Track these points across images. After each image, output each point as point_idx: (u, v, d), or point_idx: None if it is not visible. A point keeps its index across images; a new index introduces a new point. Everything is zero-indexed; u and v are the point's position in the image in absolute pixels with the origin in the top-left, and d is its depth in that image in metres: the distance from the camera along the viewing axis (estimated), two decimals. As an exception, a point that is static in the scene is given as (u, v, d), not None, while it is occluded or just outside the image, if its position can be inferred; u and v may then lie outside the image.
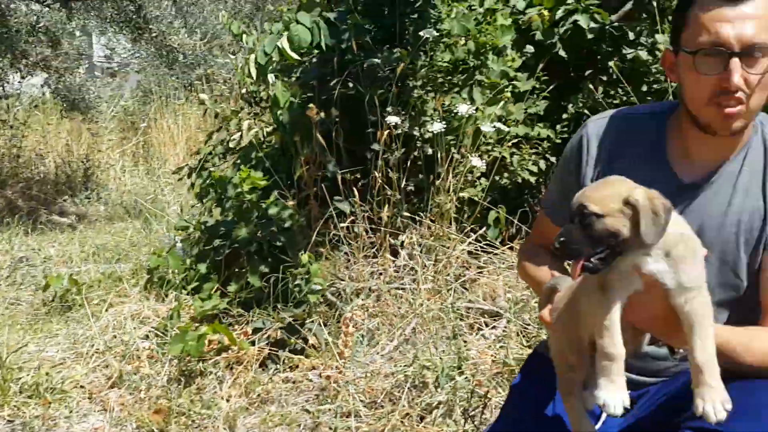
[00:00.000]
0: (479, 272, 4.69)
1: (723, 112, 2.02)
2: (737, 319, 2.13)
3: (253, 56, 4.75)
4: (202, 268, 4.57)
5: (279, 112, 4.63)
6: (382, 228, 4.57)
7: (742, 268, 2.13)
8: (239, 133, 5.28)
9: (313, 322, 4.03)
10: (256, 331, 4.09)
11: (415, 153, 4.95)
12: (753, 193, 2.11)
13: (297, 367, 3.90)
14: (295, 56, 4.66)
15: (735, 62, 1.96)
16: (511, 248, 4.78)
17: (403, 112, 4.80)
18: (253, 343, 4.03)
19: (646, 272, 1.82)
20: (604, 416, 2.21)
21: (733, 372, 1.90)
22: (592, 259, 1.80)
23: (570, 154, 2.37)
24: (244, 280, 4.34)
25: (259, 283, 4.29)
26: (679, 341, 1.91)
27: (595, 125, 2.32)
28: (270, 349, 3.96)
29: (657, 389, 2.26)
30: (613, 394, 1.81)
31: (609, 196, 1.81)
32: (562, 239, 1.81)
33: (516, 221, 4.82)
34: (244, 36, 5.52)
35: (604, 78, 5.39)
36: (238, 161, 5.03)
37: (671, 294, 1.83)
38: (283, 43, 4.63)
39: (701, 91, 2.03)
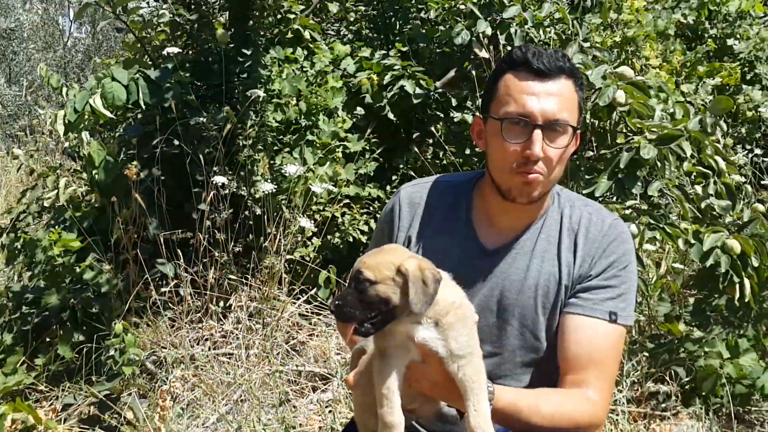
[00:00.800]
0: (310, 334, 4.61)
1: (523, 179, 2.10)
2: (540, 380, 2.19)
3: (61, 112, 4.50)
4: (8, 339, 4.18)
5: (94, 171, 4.39)
6: (208, 291, 4.40)
7: (541, 330, 2.19)
8: (55, 191, 4.94)
9: (129, 395, 3.76)
10: (66, 407, 3.77)
11: (246, 213, 4.85)
12: (549, 259, 2.19)
13: (110, 445, 3.63)
14: (108, 114, 4.46)
15: (537, 134, 2.06)
16: (342, 309, 4.73)
17: (230, 172, 4.70)
18: (62, 421, 3.71)
19: (418, 341, 1.86)
20: None
21: None
22: (364, 324, 1.83)
23: (384, 218, 2.39)
24: (54, 352, 4.01)
25: (70, 354, 3.98)
26: (462, 405, 1.91)
27: (408, 192, 2.36)
28: (81, 427, 3.66)
29: None
30: None
31: (383, 264, 1.85)
32: (337, 302, 1.83)
33: (346, 282, 4.79)
34: (64, 89, 5.23)
35: (431, 141, 5.57)
36: (52, 222, 4.70)
37: (444, 361, 1.86)
38: (96, 100, 4.42)
39: (505, 158, 2.11)
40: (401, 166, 5.45)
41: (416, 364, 1.88)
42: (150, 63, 5.09)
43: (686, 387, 4.14)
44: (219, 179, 4.48)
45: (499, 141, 2.11)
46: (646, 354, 4.23)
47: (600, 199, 4.08)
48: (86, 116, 4.32)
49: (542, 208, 2.23)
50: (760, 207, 4.29)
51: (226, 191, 4.55)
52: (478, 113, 2.29)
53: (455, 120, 5.57)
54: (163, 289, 4.30)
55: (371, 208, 5.21)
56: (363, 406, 2.06)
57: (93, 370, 3.94)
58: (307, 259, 4.80)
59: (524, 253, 2.20)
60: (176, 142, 4.66)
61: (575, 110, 2.14)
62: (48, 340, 4.20)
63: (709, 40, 7.18)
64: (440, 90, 5.52)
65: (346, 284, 1.88)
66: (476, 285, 2.19)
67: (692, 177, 4.30)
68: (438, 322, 1.86)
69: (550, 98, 2.08)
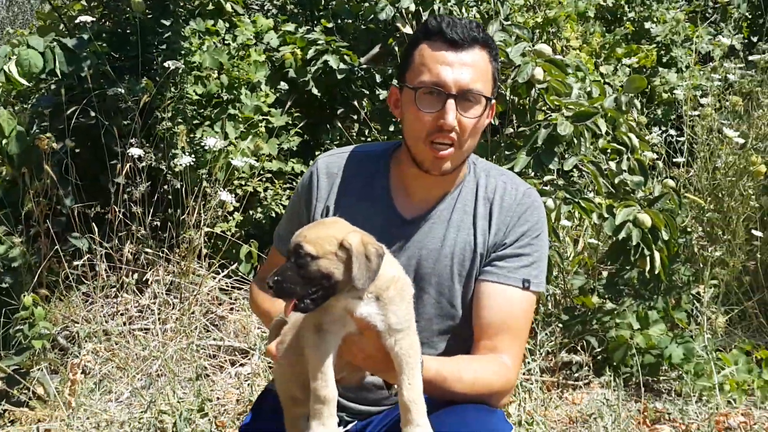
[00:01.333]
0: (230, 309, 4.56)
1: (435, 153, 2.11)
2: (455, 347, 2.22)
3: None
4: None
5: (5, 142, 4.22)
6: (124, 266, 4.30)
7: (457, 298, 2.22)
8: (-38, 164, 4.75)
9: (40, 370, 3.66)
10: (-28, 383, 3.64)
11: (164, 187, 4.76)
12: (465, 228, 2.22)
13: (18, 420, 3.51)
14: (24, 82, 4.29)
15: (451, 103, 2.07)
16: (264, 284, 4.70)
17: (148, 145, 4.59)
18: (-32, 398, 3.58)
19: (357, 315, 1.83)
20: None
21: (446, 401, 1.97)
22: (305, 299, 1.78)
23: (301, 189, 2.37)
24: (-40, 327, 3.86)
25: (-23, 329, 3.84)
26: (393, 378, 1.92)
27: (325, 162, 2.34)
28: (-13, 403, 3.54)
29: (380, 418, 2.28)
30: None
31: (325, 238, 1.80)
32: (276, 278, 1.77)
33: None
34: (-28, 58, 5.02)
35: (355, 117, 5.56)
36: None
37: (382, 335, 1.84)
38: (11, 67, 4.25)
39: (419, 127, 2.12)
40: (326, 141, 5.42)
41: (352, 336, 1.86)
42: (66, 33, 4.92)
43: (598, 357, 4.28)
44: (135, 151, 4.37)
45: (413, 110, 2.12)
46: (560, 325, 4.34)
47: (518, 174, 4.15)
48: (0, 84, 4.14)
49: (458, 178, 2.25)
50: (671, 182, 4.45)
51: (143, 164, 4.44)
52: (394, 82, 2.30)
53: (380, 97, 5.58)
54: (75, 263, 4.18)
55: (294, 183, 5.17)
56: (285, 375, 2.04)
57: (1, 345, 3.81)
58: (228, 233, 4.74)
59: (441, 222, 2.22)
60: (92, 114, 4.52)
61: (489, 81, 2.15)
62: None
63: (628, 22, 7.37)
64: (365, 66, 5.50)
65: (286, 259, 1.82)
66: (394, 254, 2.19)
67: (607, 153, 4.41)
68: (378, 297, 1.83)
69: (464, 68, 2.09)
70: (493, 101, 2.20)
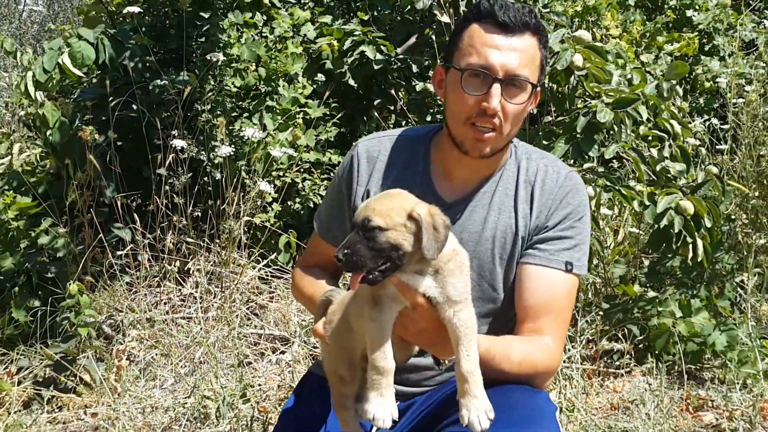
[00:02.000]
0: (270, 298, 4.61)
1: (477, 135, 2.11)
2: (496, 330, 2.21)
3: (30, 74, 4.39)
4: (-39, 302, 4.12)
5: (49, 133, 4.30)
6: (166, 255, 4.36)
7: (498, 281, 2.23)
8: (9, 157, 4.86)
9: (86, 357, 3.73)
10: (20, 369, 3.73)
11: (205, 178, 4.81)
12: (506, 211, 2.22)
13: (66, 407, 3.59)
14: (78, 73, 4.38)
15: (496, 87, 2.07)
16: (302, 274, 4.74)
17: (189, 136, 4.65)
18: (17, 384, 3.67)
19: (419, 288, 1.83)
20: (374, 430, 2.20)
21: (493, 379, 1.96)
22: (373, 272, 1.78)
23: (341, 173, 2.38)
24: (8, 316, 3.96)
25: (24, 317, 3.94)
26: (445, 353, 1.93)
27: (366, 146, 2.35)
28: (36, 389, 3.62)
29: (423, 399, 2.29)
30: (383, 407, 1.80)
31: (393, 210, 1.81)
32: (346, 251, 1.77)
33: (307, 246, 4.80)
34: (18, 54, 5.13)
35: (392, 108, 5.57)
36: (6, 187, 4.61)
37: (440, 307, 1.84)
38: (65, 59, 4.33)
39: (463, 108, 2.12)
40: (363, 132, 5.43)
41: (405, 311, 1.87)
42: (110, 25, 5.00)
43: (640, 345, 4.22)
44: (178, 143, 4.43)
45: (458, 91, 2.12)
46: (601, 313, 4.30)
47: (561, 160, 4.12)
48: (55, 77, 4.22)
49: (499, 162, 2.26)
50: (714, 169, 4.38)
51: (185, 155, 4.50)
52: (440, 62, 2.29)
53: (417, 88, 5.57)
54: (119, 253, 4.25)
55: (331, 174, 5.19)
56: (333, 355, 2.06)
57: (48, 334, 3.90)
58: (268, 224, 4.78)
59: (482, 205, 2.23)
60: (134, 106, 4.59)
61: (536, 68, 2.14)
62: (2, 304, 4.14)
63: (669, 10, 7.25)
64: (401, 56, 5.51)
65: (343, 235, 1.85)
66: None
67: (648, 141, 4.36)
68: (438, 270, 1.84)
69: (512, 53, 2.08)
70: (539, 89, 2.19)
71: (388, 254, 1.78)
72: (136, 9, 4.66)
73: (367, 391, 1.84)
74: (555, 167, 2.27)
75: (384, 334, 1.84)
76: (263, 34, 5.47)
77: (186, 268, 4.45)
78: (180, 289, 4.39)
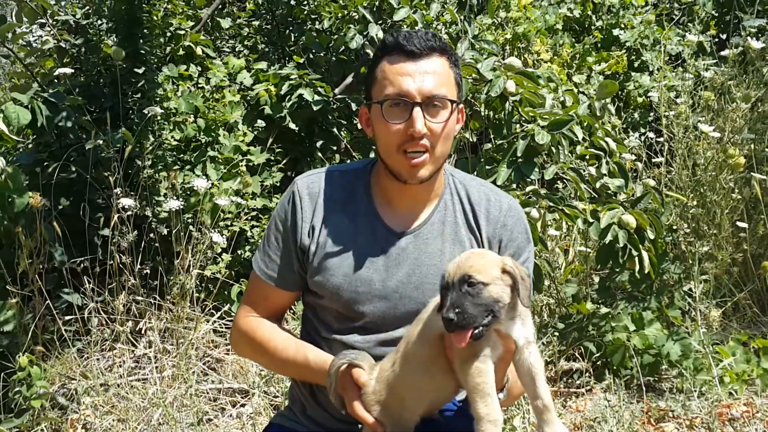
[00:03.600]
0: (227, 351, 4.54)
1: (410, 161, 2.15)
2: None
3: None
4: None
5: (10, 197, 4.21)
6: (118, 317, 4.29)
7: None
8: (-53, 230, 4.73)
9: (41, 430, 3.62)
10: (-28, 449, 3.60)
11: (151, 235, 4.76)
12: (458, 241, 2.25)
13: (22, 483, 3.48)
14: (15, 138, 4.31)
15: (417, 111, 2.12)
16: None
17: (132, 193, 4.60)
18: (-31, 465, 3.54)
19: (515, 336, 1.93)
20: None
21: None
22: (479, 327, 1.85)
23: (282, 212, 2.33)
24: (-44, 395, 3.83)
25: (-26, 394, 3.81)
26: (498, 387, 1.99)
27: (305, 182, 2.33)
28: (-11, 469, 3.50)
29: None
30: None
31: (488, 265, 1.89)
32: (457, 310, 1.83)
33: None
34: (-50, 124, 5.04)
35: (335, 147, 5.60)
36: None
37: (519, 351, 1.95)
38: (0, 125, 4.27)
39: (391, 139, 2.16)
40: (307, 174, 5.45)
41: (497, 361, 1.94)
42: (41, 89, 4.95)
43: (597, 363, 4.27)
44: (126, 201, 4.36)
45: (383, 123, 2.16)
46: (557, 334, 4.35)
47: (501, 187, 4.18)
48: None
49: (439, 188, 2.29)
50: (651, 182, 4.49)
51: (129, 213, 4.45)
52: (363, 102, 2.34)
53: (358, 126, 5.62)
54: (67, 317, 4.16)
55: (280, 219, 5.18)
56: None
57: (1, 409, 3.78)
58: (219, 275, 4.74)
59: (434, 236, 2.25)
60: (72, 168, 4.54)
61: (452, 85, 2.20)
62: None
63: (596, 31, 7.47)
64: (339, 96, 5.56)
65: (448, 291, 1.89)
66: (390, 269, 2.21)
67: (586, 159, 4.46)
68: (520, 314, 1.94)
69: (425, 76, 2.14)
70: (461, 105, 2.26)
71: (491, 308, 1.86)
72: (68, 70, 4.63)
73: None
74: (497, 196, 2.32)
75: (494, 387, 1.90)
76: (199, 85, 5.48)
77: (138, 328, 4.37)
78: (133, 351, 4.30)
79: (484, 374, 1.89)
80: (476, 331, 1.84)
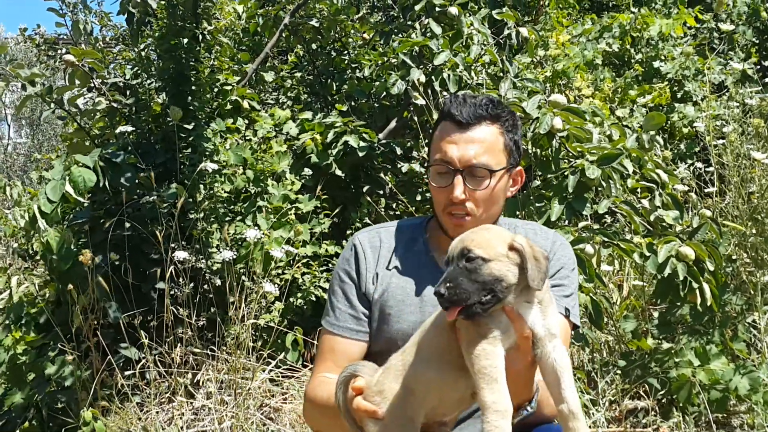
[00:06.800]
0: (284, 399, 4.53)
1: (455, 221, 2.28)
2: None
3: (35, 206, 4.43)
4: (-28, 445, 4.04)
5: (53, 258, 4.31)
6: (175, 369, 4.31)
7: None
8: (8, 291, 4.85)
9: (104, 486, 3.64)
10: (39, 508, 3.63)
11: (205, 286, 4.81)
12: None
13: None
14: (80, 199, 4.45)
15: (458, 178, 2.24)
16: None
17: (187, 246, 4.67)
18: None
19: (529, 322, 1.78)
20: None
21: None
22: (474, 306, 1.73)
23: (345, 264, 2.43)
24: (21, 452, 3.88)
25: (38, 452, 3.85)
26: (522, 396, 1.92)
27: (365, 236, 2.46)
28: None
29: None
30: None
31: (492, 241, 1.78)
32: (448, 284, 1.73)
33: (314, 341, 4.76)
34: (8, 188, 5.20)
35: (381, 192, 5.63)
36: (7, 321, 4.59)
37: (539, 342, 1.79)
38: (67, 187, 4.39)
39: (438, 200, 2.31)
40: (356, 219, 5.47)
41: (508, 351, 1.80)
42: (101, 149, 5.08)
43: (663, 400, 4.16)
44: (180, 254, 4.42)
45: (432, 185, 2.32)
46: (619, 372, 4.25)
47: (552, 225, 4.14)
48: (59, 206, 4.28)
49: None
50: (707, 212, 4.41)
51: (185, 266, 4.50)
52: (423, 144, 2.49)
53: (402, 169, 5.66)
54: (127, 372, 4.20)
55: (330, 265, 5.20)
56: (394, 426, 1.89)
57: (64, 466, 3.81)
58: (272, 323, 4.75)
59: None
60: (127, 224, 4.62)
61: (499, 152, 2.28)
62: (15, 441, 4.06)
63: (636, 65, 7.44)
64: (384, 141, 5.60)
65: (449, 265, 1.79)
66: None
67: (638, 192, 4.40)
68: (541, 301, 1.80)
69: (469, 145, 2.24)
70: (519, 168, 2.36)
71: (491, 287, 1.73)
72: (128, 128, 4.75)
73: None
74: (542, 230, 2.44)
75: (503, 373, 1.72)
76: (246, 137, 5.57)
77: (196, 381, 4.39)
78: (191, 402, 4.31)
79: (491, 357, 1.72)
80: (471, 309, 1.72)
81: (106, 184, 4.41)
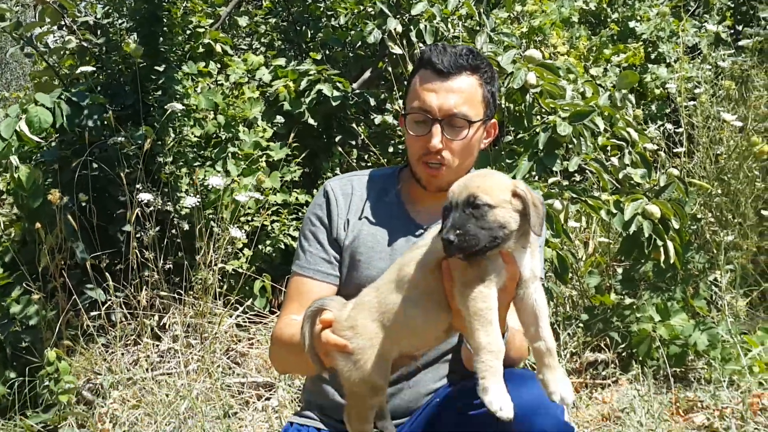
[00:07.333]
0: (250, 345, 4.55)
1: (429, 171, 2.28)
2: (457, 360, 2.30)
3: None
4: (-67, 383, 4.00)
5: (23, 195, 4.24)
6: (141, 312, 4.30)
7: None
8: (-30, 229, 4.78)
9: (68, 425, 3.64)
10: (1, 444, 3.63)
11: (173, 230, 4.78)
12: None
13: (51, 478, 3.50)
14: (36, 139, 4.35)
15: (436, 128, 2.24)
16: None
17: (154, 189, 4.62)
18: (-2, 460, 3.57)
19: (521, 264, 1.83)
20: None
21: None
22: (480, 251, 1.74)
23: (316, 210, 2.44)
24: (-16, 390, 3.86)
25: (2, 390, 3.83)
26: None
27: (337, 183, 2.47)
28: (18, 463, 3.52)
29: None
30: (505, 396, 1.70)
31: (497, 187, 1.78)
32: (459, 231, 1.73)
33: (283, 288, 4.76)
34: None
35: (353, 142, 5.60)
36: (-30, 259, 4.52)
37: (524, 284, 1.83)
38: (22, 125, 4.30)
39: (413, 149, 2.31)
40: (327, 169, 5.45)
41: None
42: (63, 88, 4.97)
43: (623, 354, 4.25)
44: (144, 196, 4.38)
45: (408, 134, 2.31)
46: (581, 326, 4.33)
47: (523, 180, 4.16)
48: (12, 145, 4.18)
49: None
50: (675, 172, 4.46)
51: (151, 209, 4.46)
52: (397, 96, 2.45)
53: (375, 121, 5.63)
54: (93, 314, 4.18)
55: (300, 214, 5.19)
56: (364, 363, 1.91)
57: (28, 404, 3.80)
58: (240, 270, 4.75)
59: None
60: (95, 165, 4.56)
61: (478, 104, 2.28)
62: (-24, 379, 4.03)
63: (612, 23, 7.43)
64: (358, 91, 5.55)
65: (450, 212, 1.79)
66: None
67: (608, 150, 4.43)
68: (531, 246, 1.83)
69: (449, 95, 2.24)
70: (493, 120, 2.35)
71: (495, 234, 1.75)
72: (89, 68, 4.65)
73: (480, 377, 1.72)
74: None
75: (496, 315, 1.76)
76: (219, 82, 5.49)
77: (162, 323, 4.39)
78: (158, 345, 4.32)
79: (487, 299, 1.75)
80: (476, 253, 1.74)
81: (65, 125, 4.31)
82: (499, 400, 1.68)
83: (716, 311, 4.47)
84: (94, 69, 4.75)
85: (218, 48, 5.55)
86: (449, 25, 5.20)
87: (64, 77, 5.12)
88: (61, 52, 5.19)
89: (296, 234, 5.04)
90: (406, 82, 2.39)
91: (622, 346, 4.22)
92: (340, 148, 5.44)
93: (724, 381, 3.84)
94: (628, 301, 4.39)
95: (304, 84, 5.38)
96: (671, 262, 4.04)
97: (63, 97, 4.47)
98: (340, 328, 1.95)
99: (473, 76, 2.26)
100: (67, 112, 4.45)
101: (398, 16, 5.17)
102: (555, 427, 1.99)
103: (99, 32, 5.16)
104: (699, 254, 4.56)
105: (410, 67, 4.71)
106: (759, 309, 4.69)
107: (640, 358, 4.13)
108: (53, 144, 4.91)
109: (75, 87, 4.78)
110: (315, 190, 5.36)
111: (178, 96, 4.95)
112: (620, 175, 4.34)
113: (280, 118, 5.47)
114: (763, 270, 4.79)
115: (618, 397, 3.89)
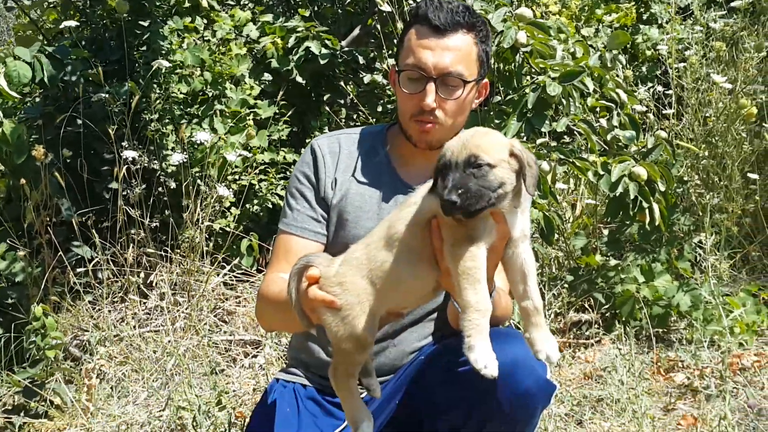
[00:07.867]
0: (237, 303, 4.57)
1: (420, 128, 2.27)
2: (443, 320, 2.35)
3: None
4: None
5: (8, 150, 4.18)
6: (128, 269, 4.30)
7: None
8: (-46, 185, 4.73)
9: (55, 380, 3.66)
10: (-12, 399, 3.64)
11: (159, 188, 4.75)
12: None
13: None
14: (14, 94, 4.28)
15: (431, 86, 2.22)
16: (267, 275, 4.71)
17: (140, 147, 4.58)
18: (-14, 414, 3.58)
19: (513, 223, 1.84)
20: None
21: None
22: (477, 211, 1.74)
23: (303, 168, 2.43)
24: (-29, 346, 3.86)
25: (-12, 346, 3.84)
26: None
27: (324, 142, 2.45)
28: (6, 417, 3.54)
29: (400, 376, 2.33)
30: (490, 355, 1.72)
31: (496, 146, 1.77)
32: (460, 191, 1.72)
33: (270, 247, 4.76)
34: (-46, 78, 4.99)
35: (342, 101, 5.56)
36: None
37: (513, 243, 1.85)
38: (0, 81, 4.23)
39: (405, 106, 2.29)
40: (315, 128, 5.41)
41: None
42: (46, 42, 4.89)
43: (607, 314, 4.29)
44: (129, 153, 4.36)
45: (400, 90, 2.29)
46: (566, 286, 4.36)
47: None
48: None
49: None
50: (662, 134, 4.46)
51: (137, 167, 4.43)
52: (387, 55, 2.43)
53: (365, 79, 5.58)
54: (79, 270, 4.18)
55: (287, 173, 5.17)
56: (352, 319, 1.92)
57: (14, 360, 3.81)
58: (228, 228, 4.74)
59: None
60: (79, 121, 4.50)
61: (472, 63, 2.27)
62: (-37, 335, 4.03)
63: (605, -17, 7.34)
64: (347, 49, 5.49)
65: (449, 171, 1.77)
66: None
67: (596, 112, 4.42)
68: (521, 205, 1.84)
69: (445, 53, 2.22)
70: (485, 80, 2.34)
71: (493, 192, 1.75)
72: (72, 23, 4.58)
73: (466, 335, 1.74)
74: None
75: (485, 274, 1.77)
76: (205, 38, 5.41)
77: (149, 281, 4.39)
78: (145, 303, 4.33)
79: (477, 259, 1.77)
80: (474, 212, 1.75)
81: (45, 80, 4.24)
82: (484, 358, 1.71)
83: (700, 273, 4.51)
84: (78, 24, 4.66)
85: (204, 3, 5.46)
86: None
87: (48, 32, 5.04)
88: (44, 5, 5.10)
89: (283, 193, 5.02)
90: (396, 40, 2.40)
91: (606, 306, 4.26)
92: (328, 107, 5.39)
93: (705, 341, 3.89)
94: (613, 262, 4.42)
95: (292, 41, 5.32)
96: (656, 224, 4.05)
97: (44, 51, 4.39)
98: (328, 284, 1.95)
99: (469, 34, 2.24)
100: (48, 66, 4.37)
101: (388, -27, 5.09)
102: (537, 385, 2.02)
103: (83, -15, 5.07)
104: (684, 216, 4.58)
105: (400, 26, 4.66)
106: (742, 271, 4.73)
107: (624, 319, 4.17)
108: (37, 99, 4.85)
109: (59, 42, 4.70)
110: (303, 149, 5.32)
111: (163, 52, 4.88)
112: (608, 137, 4.33)
113: (267, 76, 5.41)
114: (747, 232, 4.83)
115: (600, 356, 3.94)
